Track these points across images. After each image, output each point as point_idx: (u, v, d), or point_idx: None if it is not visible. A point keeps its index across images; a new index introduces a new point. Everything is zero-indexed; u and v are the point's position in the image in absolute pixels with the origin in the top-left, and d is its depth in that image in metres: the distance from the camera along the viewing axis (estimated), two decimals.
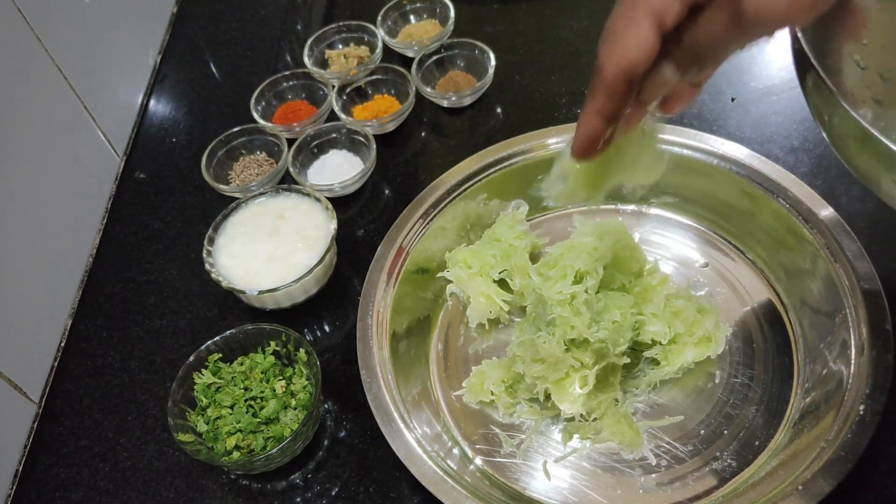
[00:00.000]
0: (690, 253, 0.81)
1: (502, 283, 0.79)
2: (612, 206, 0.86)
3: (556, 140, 0.83)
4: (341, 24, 1.06)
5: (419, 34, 1.06)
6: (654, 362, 0.72)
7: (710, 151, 0.79)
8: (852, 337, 0.66)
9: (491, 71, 0.97)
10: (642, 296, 0.70)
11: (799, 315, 0.74)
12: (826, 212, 0.73)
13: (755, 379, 0.71)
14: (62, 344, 0.84)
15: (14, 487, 0.75)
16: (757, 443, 0.68)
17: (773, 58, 0.98)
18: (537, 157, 0.83)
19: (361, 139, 0.93)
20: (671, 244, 0.82)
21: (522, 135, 0.84)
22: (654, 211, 0.84)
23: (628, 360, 0.69)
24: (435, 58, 1.01)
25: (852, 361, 0.65)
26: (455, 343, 0.78)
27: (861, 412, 0.61)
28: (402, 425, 0.66)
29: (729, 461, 0.67)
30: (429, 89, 0.97)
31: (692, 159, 0.80)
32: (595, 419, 0.69)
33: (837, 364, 0.66)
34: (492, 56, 0.98)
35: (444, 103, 0.99)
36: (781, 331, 0.74)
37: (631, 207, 0.85)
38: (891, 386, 0.63)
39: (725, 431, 0.69)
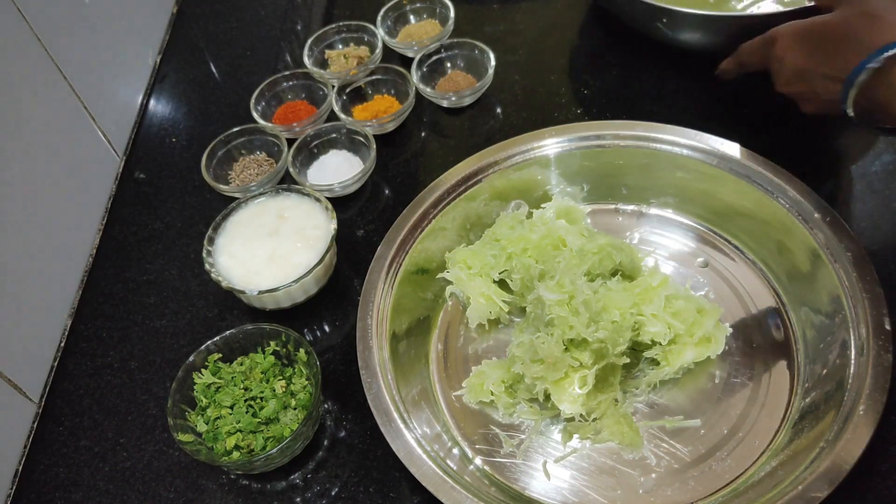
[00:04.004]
0: (690, 253, 0.81)
1: (502, 284, 0.79)
2: (612, 206, 0.86)
3: (556, 140, 0.83)
4: (341, 24, 1.06)
5: (419, 34, 1.06)
6: (654, 362, 0.72)
7: (710, 151, 0.79)
8: (852, 337, 0.66)
9: (491, 71, 0.97)
10: (642, 296, 0.70)
11: (799, 315, 0.74)
12: (826, 212, 0.73)
13: (755, 379, 0.71)
14: (62, 344, 0.84)
15: (14, 487, 0.75)
16: (757, 442, 0.68)
17: None
18: (537, 157, 0.83)
19: (361, 139, 0.93)
20: (671, 244, 0.82)
21: (522, 135, 0.84)
22: (654, 211, 0.84)
23: (628, 361, 0.69)
24: (435, 58, 1.01)
25: (852, 361, 0.65)
26: (455, 343, 0.78)
27: (861, 412, 0.61)
28: (401, 425, 0.66)
29: (729, 461, 0.67)
30: (429, 89, 0.97)
31: (692, 159, 0.80)
32: (595, 419, 0.69)
33: (837, 364, 0.66)
34: (492, 56, 0.98)
35: (444, 103, 0.99)
36: (781, 331, 0.74)
37: (631, 207, 0.85)
38: (891, 386, 0.63)
39: (725, 431, 0.69)
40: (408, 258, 0.78)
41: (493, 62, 0.97)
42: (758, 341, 0.74)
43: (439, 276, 0.80)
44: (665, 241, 0.82)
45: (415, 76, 0.98)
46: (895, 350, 0.64)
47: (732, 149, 0.79)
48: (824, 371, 0.68)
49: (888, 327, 0.65)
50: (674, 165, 0.81)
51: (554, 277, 0.69)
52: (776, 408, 0.69)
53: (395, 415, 0.67)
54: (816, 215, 0.73)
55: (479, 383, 0.73)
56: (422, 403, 0.72)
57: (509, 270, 0.78)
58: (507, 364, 0.72)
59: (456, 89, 0.98)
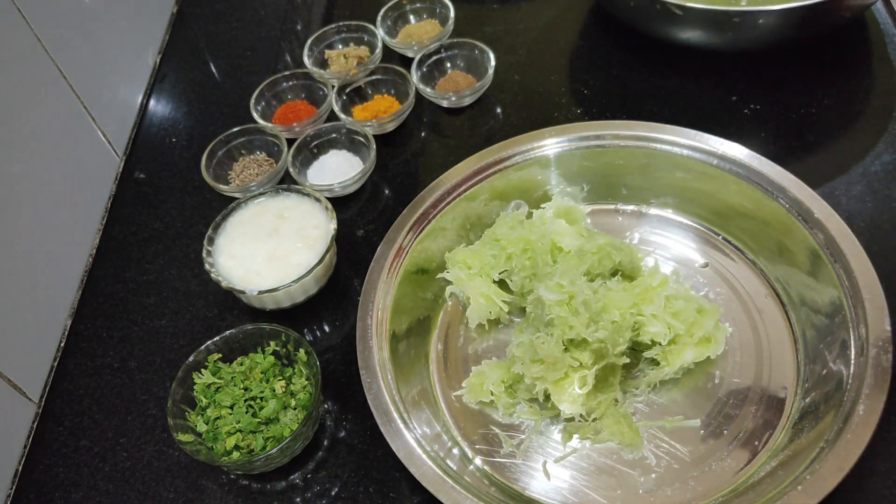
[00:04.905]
0: (690, 253, 0.81)
1: (502, 284, 0.79)
2: (612, 207, 0.86)
3: (556, 140, 0.83)
4: (341, 24, 1.06)
5: (419, 34, 1.06)
6: (654, 362, 0.72)
7: (710, 151, 0.79)
8: (852, 337, 0.66)
9: (491, 71, 0.97)
10: (642, 296, 0.70)
11: (799, 315, 0.74)
12: (826, 212, 0.73)
13: (755, 379, 0.71)
14: (62, 344, 0.84)
15: (14, 487, 0.75)
16: (757, 443, 0.68)
17: (774, 57, 0.97)
18: (537, 157, 0.83)
19: (361, 139, 0.93)
20: (671, 244, 0.82)
21: (522, 135, 0.84)
22: (654, 211, 0.84)
23: (628, 361, 0.69)
24: (435, 58, 1.01)
25: (852, 361, 0.65)
26: (455, 343, 0.78)
27: (861, 412, 0.61)
28: (401, 425, 0.66)
29: (729, 461, 0.67)
30: (429, 89, 0.97)
31: (692, 159, 0.80)
32: (595, 419, 0.69)
33: (837, 364, 0.66)
34: (491, 56, 0.98)
35: (444, 103, 0.99)
36: (781, 331, 0.74)
37: (631, 207, 0.85)
38: (891, 386, 0.63)
39: (725, 431, 0.69)
40: (408, 258, 0.78)
41: (492, 62, 0.97)
42: (758, 341, 0.74)
43: (439, 276, 0.80)
44: (665, 242, 0.82)
45: (415, 76, 0.98)
46: (895, 350, 0.64)
47: (732, 149, 0.79)
48: (824, 371, 0.68)
49: (888, 327, 0.65)
50: (674, 165, 0.81)
51: (553, 277, 0.69)
52: (776, 408, 0.69)
53: (395, 415, 0.67)
54: (816, 215, 0.73)
55: (479, 383, 0.73)
56: (422, 403, 0.72)
57: (509, 270, 0.78)
58: (507, 364, 0.72)
59: (456, 89, 0.98)
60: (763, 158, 0.78)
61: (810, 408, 0.67)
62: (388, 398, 0.68)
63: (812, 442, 0.63)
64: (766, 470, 0.65)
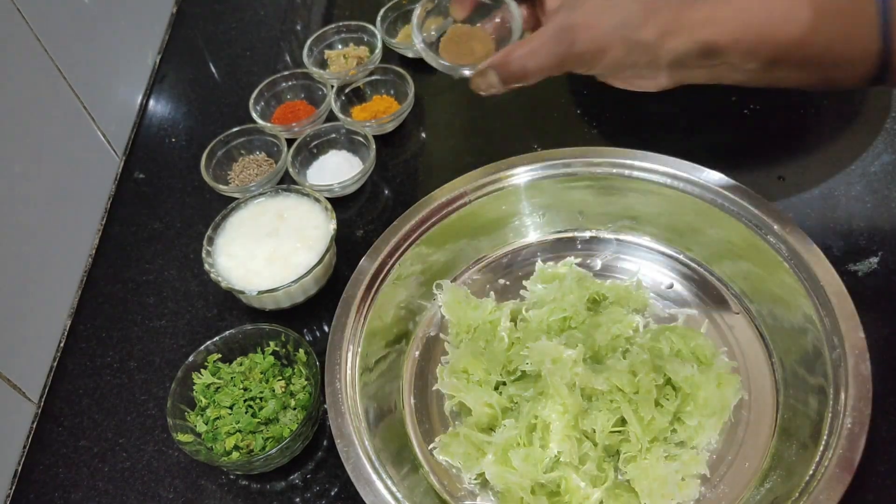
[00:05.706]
0: (655, 275, 0.78)
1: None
2: (570, 235, 0.82)
3: (525, 168, 0.80)
4: (341, 24, 1.06)
5: None
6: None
7: (663, 172, 0.77)
8: (826, 348, 0.64)
9: None
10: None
11: (770, 328, 0.72)
12: (781, 222, 0.71)
13: (736, 406, 0.68)
14: (61, 344, 0.84)
15: (13, 487, 0.75)
16: (747, 464, 0.66)
17: None
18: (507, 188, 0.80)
19: (361, 139, 0.93)
20: (633, 267, 0.79)
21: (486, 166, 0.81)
22: (610, 235, 0.81)
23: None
24: None
25: (830, 373, 0.63)
26: (428, 397, 0.74)
27: (849, 426, 0.59)
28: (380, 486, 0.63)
29: (722, 487, 0.65)
30: None
31: (643, 181, 0.78)
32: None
33: (816, 377, 0.65)
34: None
35: None
36: (754, 344, 0.72)
37: (588, 234, 0.82)
38: (891, 386, 0.62)
39: (714, 457, 0.66)
40: (371, 313, 0.74)
41: None
42: (732, 359, 0.71)
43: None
44: (628, 266, 0.80)
45: (414, 77, 0.98)
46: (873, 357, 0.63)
47: (682, 166, 0.76)
48: (803, 385, 0.66)
49: (861, 335, 0.63)
50: (628, 189, 0.78)
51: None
52: (760, 428, 0.67)
53: (380, 485, 0.63)
54: (776, 227, 0.70)
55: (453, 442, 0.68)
56: (403, 463, 0.68)
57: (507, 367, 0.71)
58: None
59: None
60: (715, 173, 0.75)
61: (794, 423, 0.65)
62: (369, 467, 0.64)
63: (803, 459, 0.61)
64: (760, 493, 0.63)
